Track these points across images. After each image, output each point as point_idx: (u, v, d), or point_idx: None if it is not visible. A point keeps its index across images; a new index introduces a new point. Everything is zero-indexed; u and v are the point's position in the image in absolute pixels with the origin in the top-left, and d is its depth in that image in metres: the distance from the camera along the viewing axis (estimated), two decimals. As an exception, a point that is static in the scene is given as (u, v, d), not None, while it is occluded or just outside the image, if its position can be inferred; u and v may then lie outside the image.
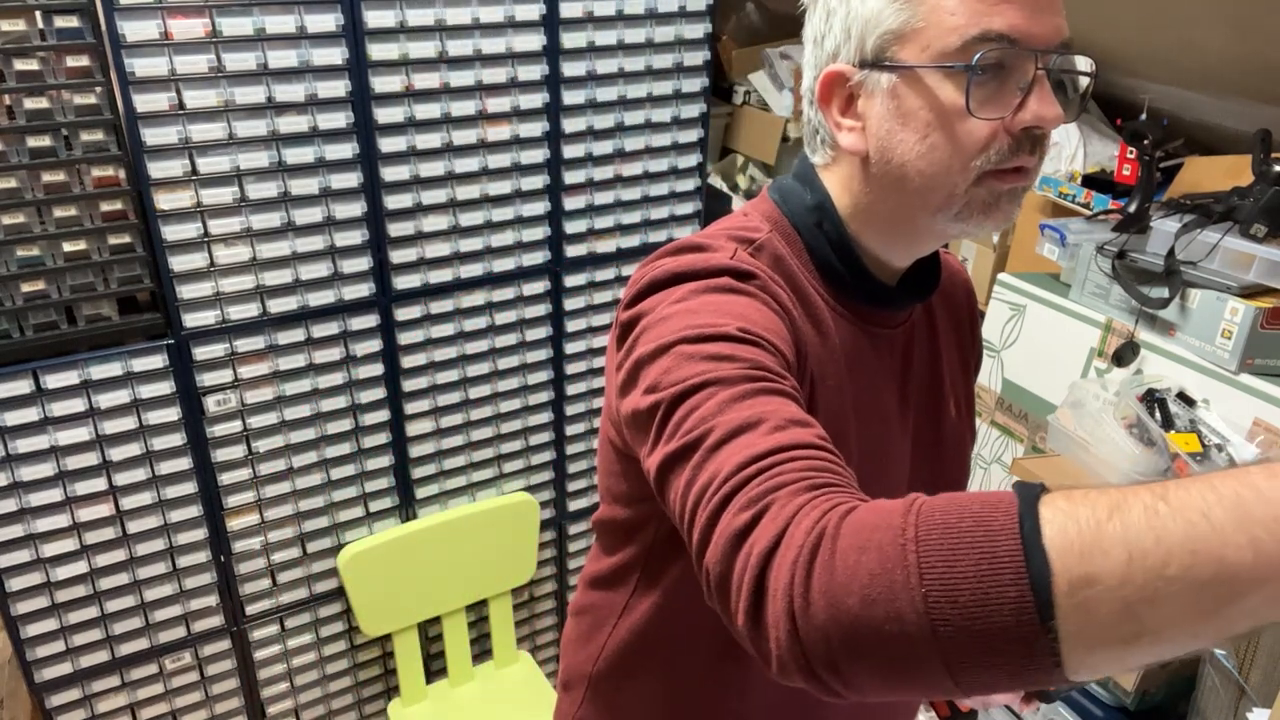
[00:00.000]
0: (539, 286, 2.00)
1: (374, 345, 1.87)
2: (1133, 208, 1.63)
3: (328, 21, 1.61)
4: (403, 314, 1.87)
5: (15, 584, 1.68)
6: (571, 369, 2.12)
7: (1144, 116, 1.71)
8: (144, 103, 1.52)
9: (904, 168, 0.71)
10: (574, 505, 2.29)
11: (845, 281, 0.78)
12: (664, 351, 0.64)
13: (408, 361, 1.91)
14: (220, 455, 1.80)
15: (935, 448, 0.90)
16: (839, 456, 0.58)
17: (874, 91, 0.72)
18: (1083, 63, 0.72)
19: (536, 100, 1.84)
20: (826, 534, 0.48)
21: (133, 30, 1.48)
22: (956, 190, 0.70)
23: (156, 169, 1.56)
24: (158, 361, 1.67)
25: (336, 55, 1.64)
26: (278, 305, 1.75)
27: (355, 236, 1.77)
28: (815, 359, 0.74)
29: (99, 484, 1.69)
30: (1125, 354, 1.63)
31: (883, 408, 0.82)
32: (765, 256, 0.77)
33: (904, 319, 0.84)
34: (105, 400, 1.64)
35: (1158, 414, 1.49)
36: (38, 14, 1.43)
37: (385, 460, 1.97)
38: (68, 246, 1.55)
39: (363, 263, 1.80)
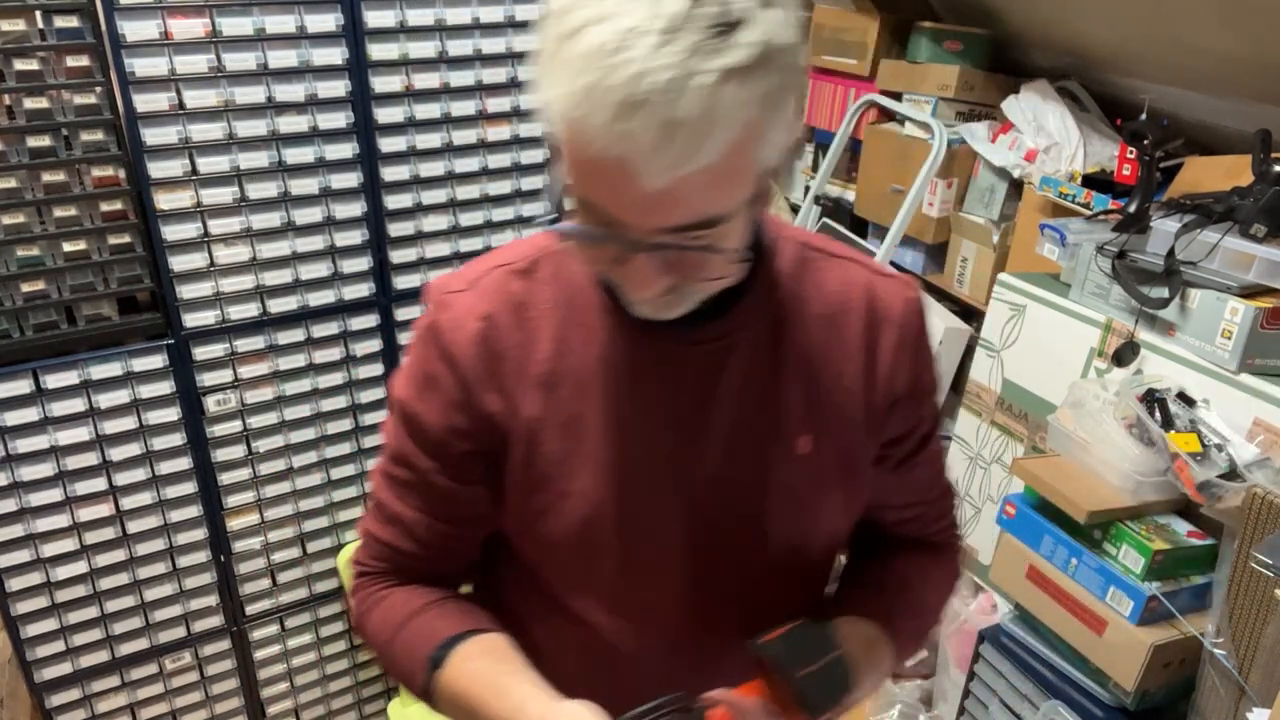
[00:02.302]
0: (539, 286, 2.00)
1: (374, 345, 1.87)
2: (1133, 208, 1.63)
3: (328, 21, 1.61)
4: (403, 314, 1.87)
5: (15, 584, 1.68)
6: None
7: (1144, 116, 1.70)
8: (144, 103, 1.52)
9: None
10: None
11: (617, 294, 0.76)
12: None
13: (408, 361, 1.91)
14: (220, 455, 1.79)
15: (751, 475, 0.81)
16: (410, 546, 0.86)
17: None
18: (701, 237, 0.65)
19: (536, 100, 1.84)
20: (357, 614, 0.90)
21: (133, 30, 1.48)
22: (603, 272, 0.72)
23: (156, 169, 1.56)
24: (158, 361, 1.67)
25: (336, 55, 1.64)
26: (278, 305, 1.75)
27: (355, 236, 1.77)
28: (547, 367, 0.78)
29: (99, 484, 1.69)
30: (1125, 354, 1.62)
31: (655, 421, 0.79)
32: (541, 269, 0.81)
33: (708, 338, 0.78)
34: (105, 400, 1.64)
35: (1158, 414, 1.49)
36: (38, 14, 1.43)
37: (385, 460, 1.97)
38: (68, 246, 1.55)
39: (363, 263, 1.80)
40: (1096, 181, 1.89)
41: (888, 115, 2.45)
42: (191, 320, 1.67)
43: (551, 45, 0.61)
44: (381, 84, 1.69)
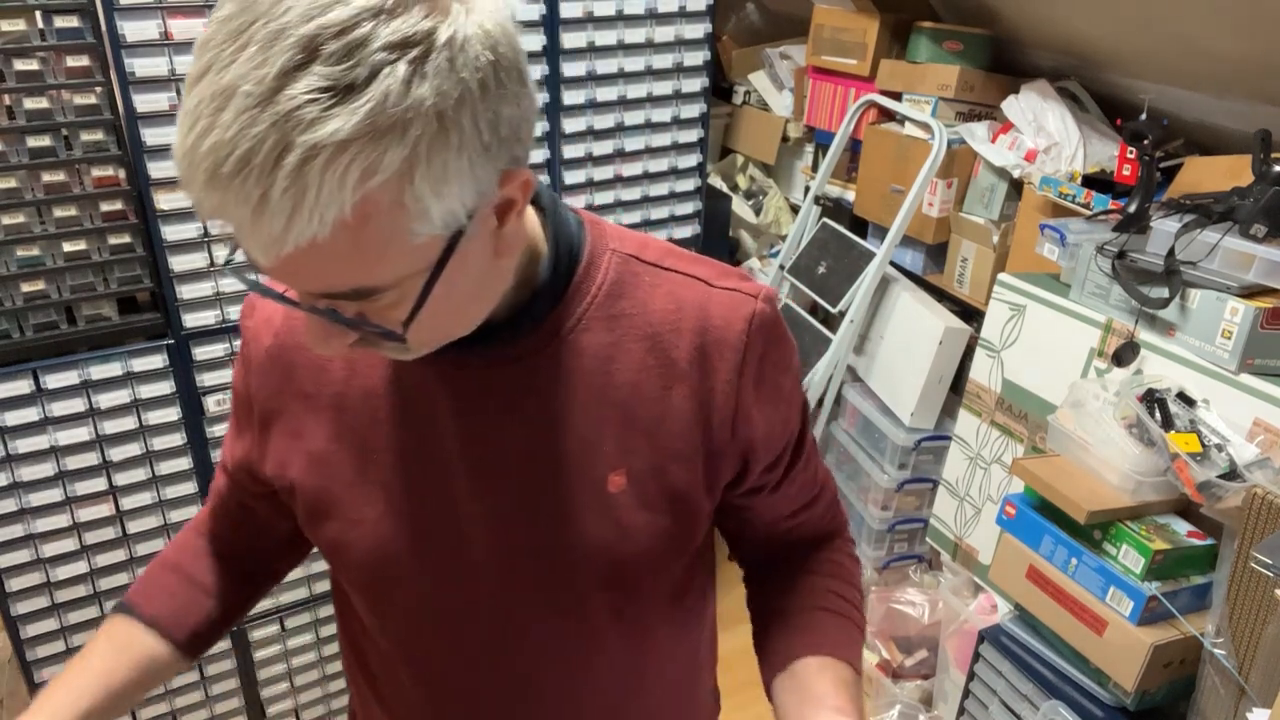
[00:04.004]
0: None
1: (374, 345, 1.87)
2: (1133, 208, 1.63)
3: (328, 21, 1.61)
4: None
5: (15, 584, 1.68)
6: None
7: (1144, 116, 1.71)
8: (144, 103, 1.52)
9: None
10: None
11: None
12: None
13: (408, 361, 1.91)
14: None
15: (555, 507, 0.75)
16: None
17: None
18: (351, 308, 0.60)
19: (537, 100, 1.84)
20: None
21: (133, 30, 1.48)
22: None
23: (156, 169, 1.56)
24: (158, 361, 1.67)
25: (336, 55, 1.64)
26: (278, 305, 1.75)
27: (355, 236, 1.77)
28: (337, 388, 0.76)
29: (99, 484, 1.69)
30: (1125, 354, 1.63)
31: (447, 446, 0.74)
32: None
33: (502, 361, 0.72)
34: (105, 400, 1.64)
35: (1158, 414, 1.49)
36: (38, 14, 1.43)
37: (385, 460, 1.97)
38: (68, 246, 1.55)
39: (363, 263, 1.80)
40: (1096, 181, 1.90)
41: (888, 115, 2.46)
42: (191, 320, 1.67)
43: (186, 83, 0.55)
44: (381, 84, 1.69)
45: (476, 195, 0.57)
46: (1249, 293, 1.46)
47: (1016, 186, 2.13)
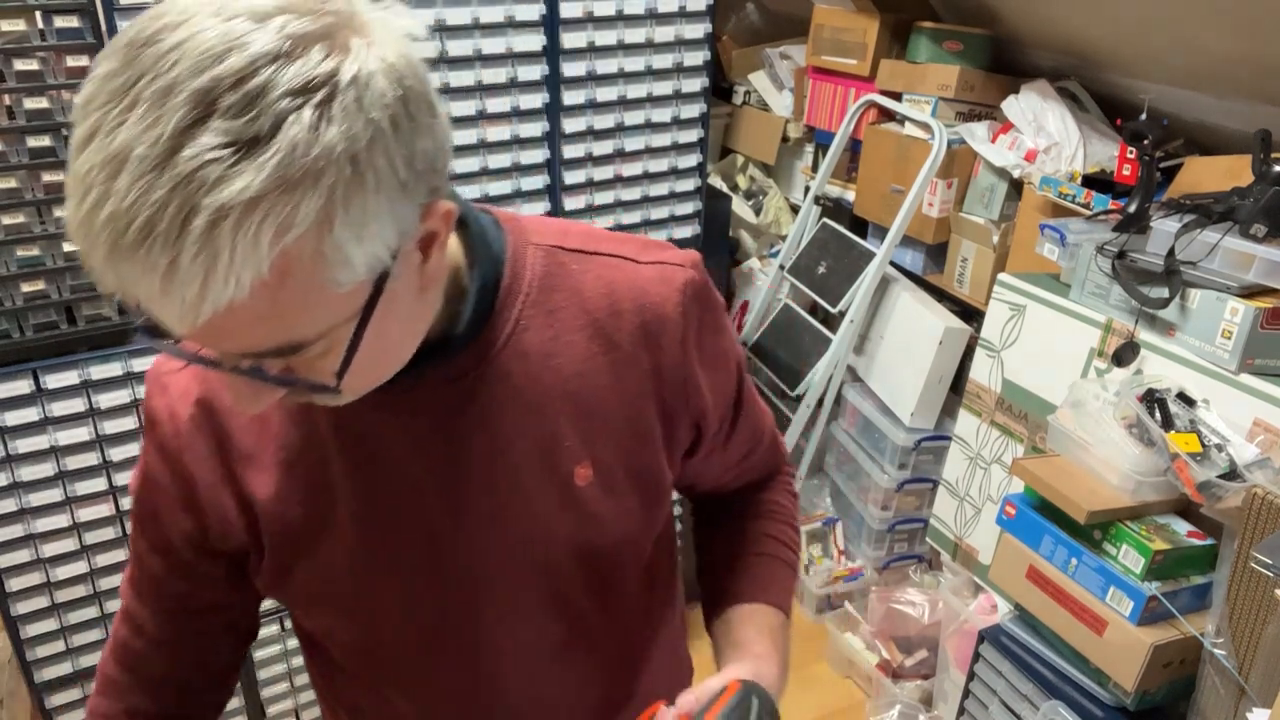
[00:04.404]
0: (539, 286, 2.00)
1: (374, 345, 1.87)
2: (1133, 208, 1.63)
3: (328, 21, 1.61)
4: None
5: (15, 584, 1.68)
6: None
7: (1144, 116, 1.71)
8: (144, 103, 1.52)
9: None
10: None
11: None
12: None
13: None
14: (220, 455, 1.79)
15: (525, 508, 0.74)
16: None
17: None
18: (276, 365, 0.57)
19: (536, 100, 1.84)
20: None
21: (133, 30, 1.48)
22: None
23: (156, 169, 1.56)
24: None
25: (336, 55, 1.64)
26: (278, 305, 1.75)
27: (355, 236, 1.77)
28: (280, 441, 0.71)
29: (99, 484, 1.69)
30: (1125, 354, 1.63)
31: (407, 472, 0.72)
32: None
33: (446, 378, 0.70)
34: (105, 400, 1.64)
35: (1158, 414, 1.49)
36: (38, 14, 1.43)
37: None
38: (68, 246, 1.55)
39: (363, 263, 1.80)
40: (1096, 181, 1.90)
41: (888, 115, 2.46)
42: (191, 320, 1.68)
43: (69, 149, 0.51)
44: (381, 84, 1.69)
45: (398, 234, 0.54)
46: (1249, 293, 1.46)
47: (1016, 186, 2.13)
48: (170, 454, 0.72)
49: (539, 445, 0.73)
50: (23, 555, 1.67)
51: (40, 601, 1.71)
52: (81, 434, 1.64)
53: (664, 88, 1.97)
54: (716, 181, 3.02)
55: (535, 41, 1.79)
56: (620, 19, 1.86)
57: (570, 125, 1.89)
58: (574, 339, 0.73)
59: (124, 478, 1.71)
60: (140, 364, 1.65)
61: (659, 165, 2.04)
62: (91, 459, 1.67)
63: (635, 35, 1.89)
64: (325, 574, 0.74)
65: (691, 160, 2.07)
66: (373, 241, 0.52)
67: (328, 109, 0.48)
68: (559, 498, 0.74)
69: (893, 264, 2.42)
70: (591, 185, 1.97)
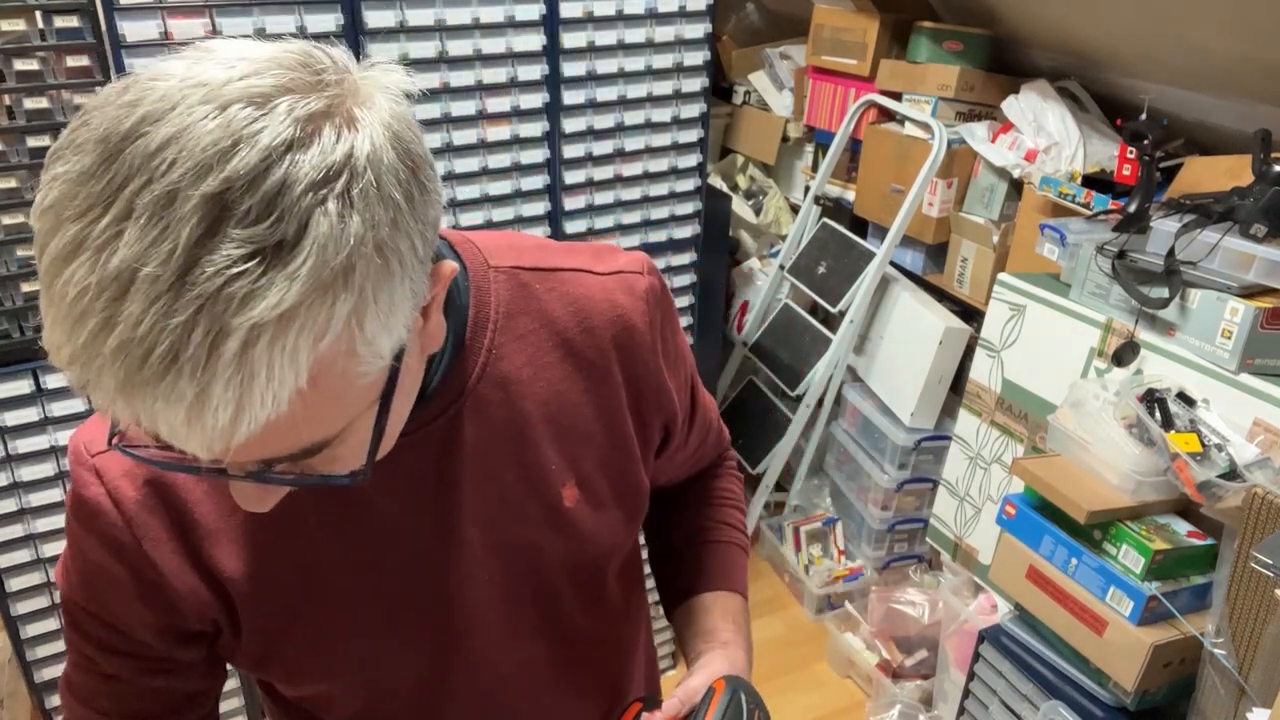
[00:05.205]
0: (539, 286, 2.00)
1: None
2: (1133, 208, 1.63)
3: (328, 21, 1.61)
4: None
5: (15, 584, 1.68)
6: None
7: (1144, 116, 1.71)
8: (144, 103, 1.52)
9: None
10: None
11: None
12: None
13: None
14: (220, 455, 1.79)
15: (518, 536, 0.73)
16: None
17: None
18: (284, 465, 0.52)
19: (536, 100, 1.84)
20: None
21: (133, 30, 1.48)
22: None
23: (156, 169, 1.56)
24: (158, 361, 1.67)
25: (336, 55, 1.64)
26: (278, 305, 1.75)
27: (355, 236, 1.77)
28: (223, 515, 0.65)
29: (99, 484, 1.69)
30: (1125, 354, 1.63)
31: (394, 521, 0.69)
32: None
33: (427, 421, 0.67)
34: (105, 400, 1.64)
35: (1158, 414, 1.49)
36: (38, 14, 1.43)
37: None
38: (68, 246, 1.55)
39: (363, 263, 1.80)
40: (1096, 181, 1.90)
41: (888, 115, 2.46)
42: (191, 320, 1.67)
43: (40, 264, 0.44)
44: (381, 84, 1.69)
45: (414, 310, 0.51)
46: (1249, 293, 1.46)
47: (1016, 186, 2.13)
48: (120, 546, 0.64)
49: (525, 471, 0.72)
50: (23, 555, 1.67)
51: (40, 601, 1.71)
52: (81, 434, 1.64)
53: (664, 88, 1.97)
54: (716, 181, 3.02)
55: (535, 41, 1.79)
56: (620, 19, 1.86)
57: (570, 125, 1.89)
58: (547, 360, 0.71)
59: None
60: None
61: (659, 165, 2.04)
62: (91, 459, 1.67)
63: (635, 35, 1.89)
64: (318, 640, 0.70)
65: (691, 160, 2.07)
66: (398, 327, 0.49)
67: (349, 198, 0.44)
68: (548, 521, 0.73)
69: (893, 264, 2.42)
70: (591, 185, 1.97)
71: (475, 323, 0.68)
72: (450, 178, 1.83)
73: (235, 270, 0.41)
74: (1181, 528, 1.48)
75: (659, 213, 2.09)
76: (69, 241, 0.42)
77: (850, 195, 2.59)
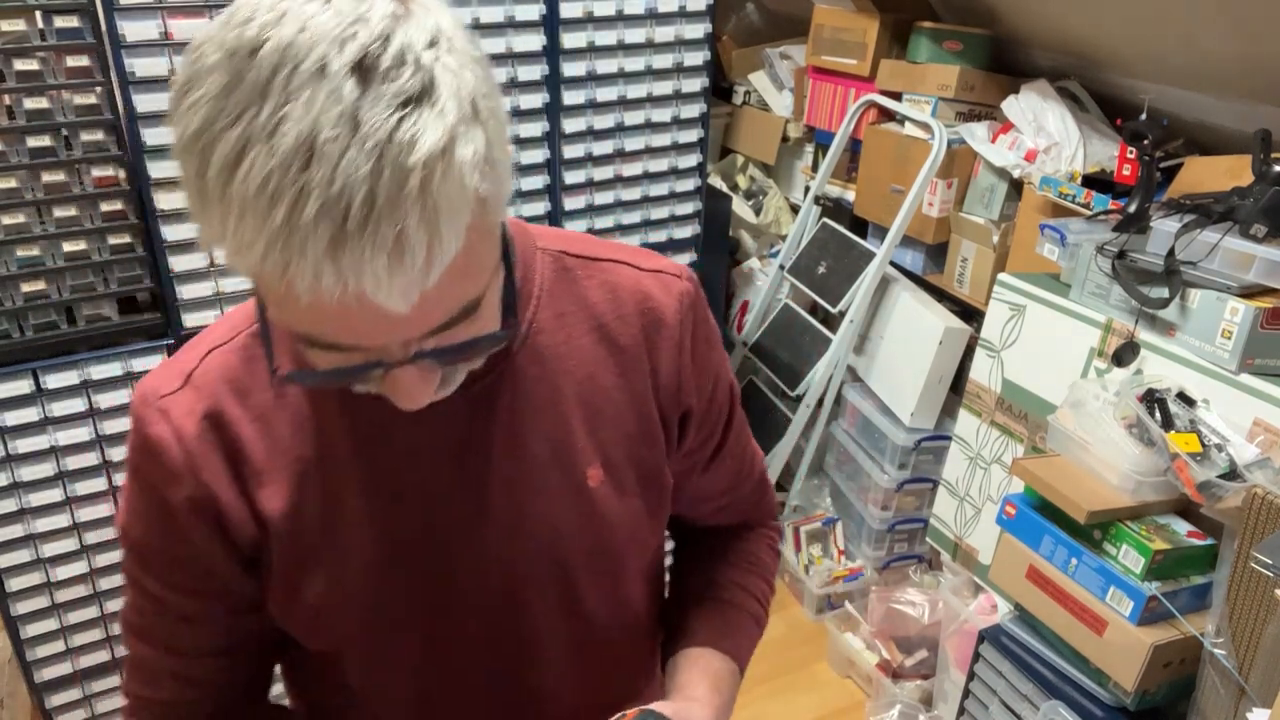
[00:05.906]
0: (539, 286, 2.00)
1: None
2: (1133, 208, 1.63)
3: (328, 21, 1.61)
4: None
5: (15, 584, 1.68)
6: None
7: (1144, 116, 1.71)
8: (144, 103, 1.52)
9: None
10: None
11: None
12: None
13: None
14: (220, 455, 1.79)
15: (543, 510, 0.75)
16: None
17: None
18: (465, 331, 0.57)
19: (536, 100, 1.84)
20: None
21: (133, 30, 1.48)
22: None
23: (156, 169, 1.56)
24: (158, 361, 1.67)
25: (336, 55, 1.64)
26: (278, 305, 1.75)
27: (355, 236, 1.77)
28: (292, 454, 0.70)
29: (99, 484, 1.69)
30: (1125, 354, 1.63)
31: (423, 481, 0.72)
32: (210, 374, 0.69)
33: (466, 384, 0.67)
34: (105, 400, 1.64)
35: (1158, 414, 1.49)
36: (38, 14, 1.43)
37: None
38: (68, 246, 1.55)
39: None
40: (1096, 181, 1.90)
41: (888, 115, 2.46)
42: (191, 320, 1.67)
43: (206, 183, 0.48)
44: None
45: (504, 158, 0.57)
46: (1249, 293, 1.46)
47: (1016, 186, 2.13)
48: (185, 477, 0.68)
49: (553, 446, 0.74)
50: (23, 555, 1.67)
51: (40, 601, 1.71)
52: (81, 434, 1.64)
53: (664, 88, 1.97)
54: (716, 181, 3.02)
55: (535, 41, 1.79)
56: (620, 19, 1.86)
57: (570, 125, 1.89)
58: (583, 342, 0.74)
59: (124, 477, 1.71)
60: (140, 364, 1.65)
61: (659, 165, 2.04)
62: (91, 459, 1.67)
63: (635, 35, 1.89)
64: (331, 586, 0.72)
65: (691, 160, 2.07)
66: (508, 176, 0.55)
67: (455, 54, 0.51)
68: (572, 498, 0.75)
69: (893, 264, 2.42)
70: (591, 185, 1.97)
71: (520, 296, 0.72)
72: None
73: (397, 117, 0.46)
74: (1181, 528, 1.48)
75: (659, 213, 2.09)
76: (234, 144, 0.46)
77: (850, 195, 2.59)
